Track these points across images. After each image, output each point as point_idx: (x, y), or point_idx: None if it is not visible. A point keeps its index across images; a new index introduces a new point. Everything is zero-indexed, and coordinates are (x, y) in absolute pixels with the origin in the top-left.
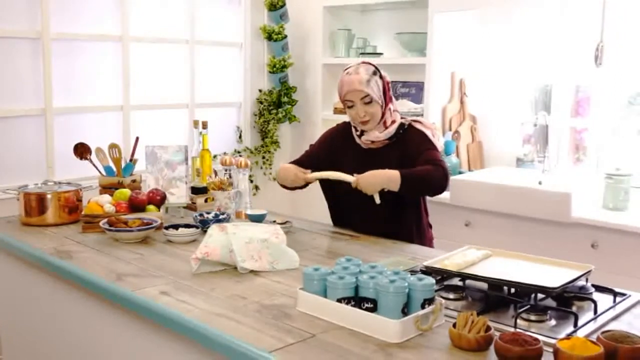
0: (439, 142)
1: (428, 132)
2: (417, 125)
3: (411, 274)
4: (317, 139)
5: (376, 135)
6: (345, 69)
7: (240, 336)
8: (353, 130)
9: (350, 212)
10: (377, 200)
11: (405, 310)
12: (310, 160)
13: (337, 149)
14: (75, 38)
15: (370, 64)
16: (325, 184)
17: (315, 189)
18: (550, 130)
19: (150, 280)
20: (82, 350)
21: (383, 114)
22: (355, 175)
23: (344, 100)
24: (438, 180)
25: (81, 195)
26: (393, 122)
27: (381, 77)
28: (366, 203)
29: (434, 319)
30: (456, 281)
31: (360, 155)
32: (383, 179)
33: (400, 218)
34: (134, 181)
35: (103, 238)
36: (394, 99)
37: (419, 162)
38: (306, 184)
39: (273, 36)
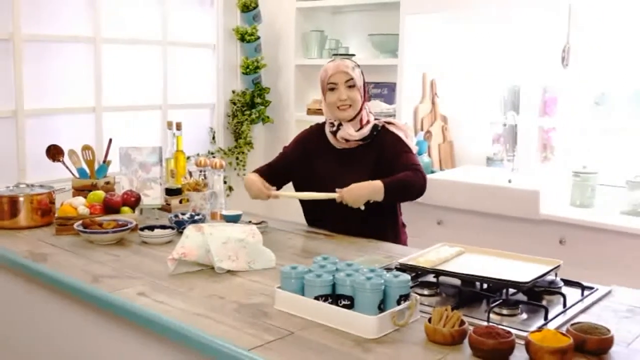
0: (413, 143)
1: (401, 134)
2: (391, 128)
3: (387, 271)
4: (291, 140)
5: (350, 134)
6: (330, 60)
7: (220, 335)
8: (327, 128)
9: (325, 214)
10: (362, 207)
11: (382, 307)
12: (284, 162)
13: (310, 151)
14: (47, 40)
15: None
16: (299, 186)
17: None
18: (519, 130)
19: (127, 281)
20: (60, 353)
21: (361, 109)
22: (337, 190)
23: (327, 84)
24: (419, 186)
25: (54, 197)
26: (367, 122)
27: (362, 73)
28: (341, 205)
29: (410, 315)
30: (430, 278)
31: (335, 156)
32: (369, 191)
33: (376, 219)
34: (107, 183)
35: (77, 240)
36: (369, 99)
37: (397, 166)
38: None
39: (246, 37)
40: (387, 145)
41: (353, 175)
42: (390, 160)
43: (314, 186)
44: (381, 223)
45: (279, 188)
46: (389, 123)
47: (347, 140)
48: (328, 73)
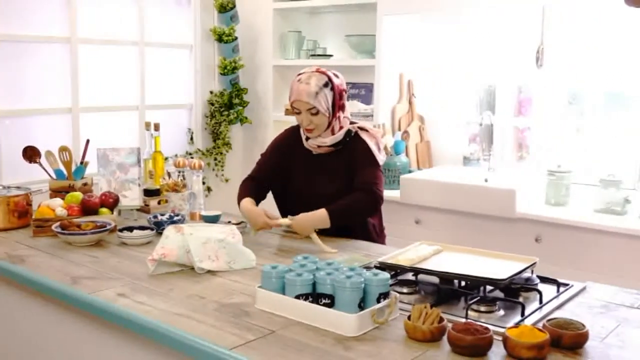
0: (381, 154)
1: (372, 144)
2: (363, 135)
3: (366, 270)
4: (267, 146)
5: (322, 141)
6: (299, 75)
7: (201, 335)
8: (302, 133)
9: (296, 214)
10: (317, 242)
11: (362, 305)
12: (265, 172)
13: (286, 156)
14: (23, 40)
15: (324, 73)
16: (277, 191)
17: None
18: (495, 130)
19: (107, 282)
20: (40, 355)
21: (330, 123)
22: (290, 217)
23: (291, 106)
24: (366, 208)
25: (31, 199)
26: (341, 128)
27: (332, 88)
28: (311, 207)
29: (390, 313)
30: (409, 276)
31: (310, 161)
32: (314, 221)
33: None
34: (85, 184)
35: (55, 242)
36: (347, 106)
37: (355, 181)
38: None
39: (223, 38)
40: (357, 154)
41: (325, 182)
42: (355, 168)
43: (290, 192)
44: (349, 227)
45: (264, 196)
46: (363, 129)
47: (319, 146)
48: (292, 96)
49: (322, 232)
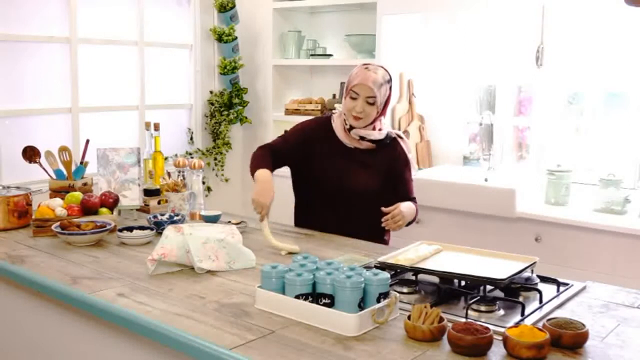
0: (414, 164)
1: (410, 155)
2: (401, 142)
3: (366, 270)
4: (293, 126)
5: (367, 132)
6: (365, 64)
7: (201, 335)
8: (340, 122)
9: (321, 213)
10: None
11: (362, 305)
12: (286, 146)
13: (314, 141)
14: (22, 40)
15: (388, 72)
16: (298, 175)
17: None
18: (495, 129)
19: (107, 282)
20: (39, 355)
21: (374, 120)
22: (398, 205)
23: (350, 90)
24: (415, 218)
25: (31, 199)
26: (380, 129)
27: (390, 88)
28: (339, 205)
29: (390, 312)
30: (409, 276)
31: (341, 152)
32: (408, 214)
33: (369, 219)
34: (85, 184)
35: (55, 242)
36: (386, 113)
37: (402, 189)
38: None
39: (223, 38)
40: (400, 162)
41: (364, 176)
42: (398, 177)
43: (317, 180)
44: (372, 225)
45: (272, 171)
46: (400, 137)
47: (361, 139)
48: (355, 80)
49: (323, 229)
